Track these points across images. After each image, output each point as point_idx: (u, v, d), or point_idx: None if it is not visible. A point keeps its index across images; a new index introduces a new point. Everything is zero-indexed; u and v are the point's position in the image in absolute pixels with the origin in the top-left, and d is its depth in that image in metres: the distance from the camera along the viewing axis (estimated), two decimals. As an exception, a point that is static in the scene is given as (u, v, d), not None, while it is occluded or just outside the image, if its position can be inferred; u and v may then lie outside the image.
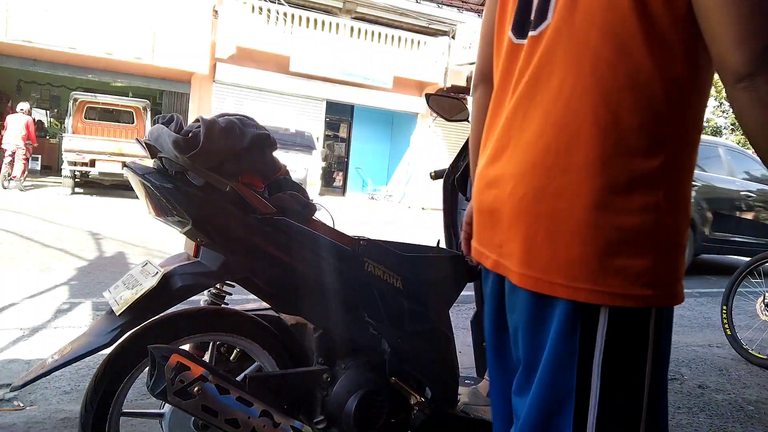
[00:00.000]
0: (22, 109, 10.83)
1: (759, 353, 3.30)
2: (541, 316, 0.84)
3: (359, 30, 14.72)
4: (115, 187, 11.23)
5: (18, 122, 10.60)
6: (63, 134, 11.23)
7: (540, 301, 0.83)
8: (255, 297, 1.45)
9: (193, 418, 1.35)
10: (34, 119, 11.36)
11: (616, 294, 0.78)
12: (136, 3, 11.71)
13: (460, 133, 15.03)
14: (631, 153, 0.77)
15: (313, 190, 11.66)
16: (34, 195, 9.82)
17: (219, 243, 1.32)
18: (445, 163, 2.02)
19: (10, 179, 10.35)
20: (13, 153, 10.41)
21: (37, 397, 2.24)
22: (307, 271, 1.38)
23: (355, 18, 15.53)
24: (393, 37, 15.04)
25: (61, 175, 10.49)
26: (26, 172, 10.79)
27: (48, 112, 16.34)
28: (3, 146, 10.50)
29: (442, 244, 1.78)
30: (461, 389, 1.75)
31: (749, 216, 6.68)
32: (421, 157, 15.84)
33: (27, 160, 10.77)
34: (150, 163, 1.35)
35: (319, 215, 1.45)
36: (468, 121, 2.10)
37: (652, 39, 0.76)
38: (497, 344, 1.01)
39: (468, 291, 1.87)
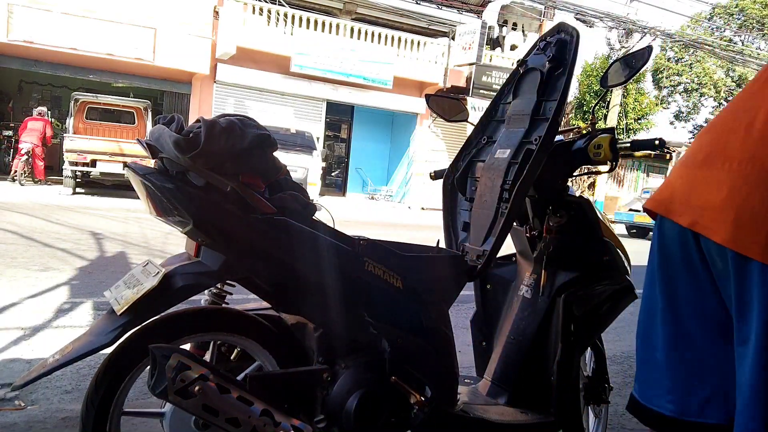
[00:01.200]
0: (40, 113, 11.71)
1: None
2: (741, 274, 1.03)
3: (359, 31, 14.73)
4: (116, 187, 11.26)
5: (37, 125, 11.43)
6: (64, 134, 11.27)
7: (739, 261, 1.03)
8: (255, 296, 1.45)
9: (193, 417, 1.35)
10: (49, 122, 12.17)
11: None
12: (137, 4, 11.73)
13: (459, 133, 15.04)
14: None
15: (313, 190, 11.66)
16: (35, 195, 9.84)
17: (220, 243, 1.32)
18: (445, 163, 2.03)
19: (27, 177, 11.29)
20: (29, 152, 11.18)
21: (38, 396, 2.25)
22: (308, 270, 1.39)
23: (355, 19, 15.55)
24: (393, 37, 15.04)
25: (62, 175, 10.53)
26: (45, 171, 11.85)
27: (49, 112, 16.34)
28: (19, 146, 11.28)
29: (442, 244, 1.79)
30: (461, 389, 1.76)
31: None
32: (421, 157, 15.84)
33: (43, 160, 11.64)
34: (151, 163, 1.35)
35: (319, 215, 1.45)
36: (467, 122, 2.11)
37: None
38: (667, 287, 1.18)
39: (468, 291, 1.87)
